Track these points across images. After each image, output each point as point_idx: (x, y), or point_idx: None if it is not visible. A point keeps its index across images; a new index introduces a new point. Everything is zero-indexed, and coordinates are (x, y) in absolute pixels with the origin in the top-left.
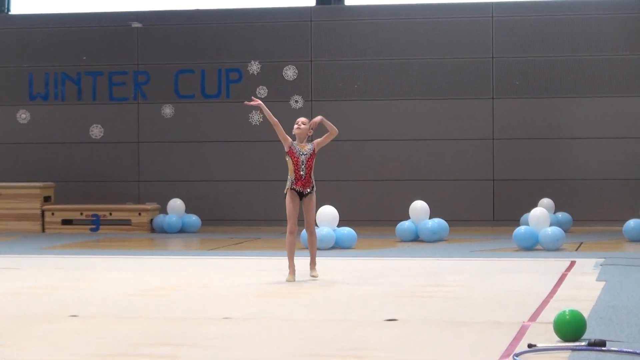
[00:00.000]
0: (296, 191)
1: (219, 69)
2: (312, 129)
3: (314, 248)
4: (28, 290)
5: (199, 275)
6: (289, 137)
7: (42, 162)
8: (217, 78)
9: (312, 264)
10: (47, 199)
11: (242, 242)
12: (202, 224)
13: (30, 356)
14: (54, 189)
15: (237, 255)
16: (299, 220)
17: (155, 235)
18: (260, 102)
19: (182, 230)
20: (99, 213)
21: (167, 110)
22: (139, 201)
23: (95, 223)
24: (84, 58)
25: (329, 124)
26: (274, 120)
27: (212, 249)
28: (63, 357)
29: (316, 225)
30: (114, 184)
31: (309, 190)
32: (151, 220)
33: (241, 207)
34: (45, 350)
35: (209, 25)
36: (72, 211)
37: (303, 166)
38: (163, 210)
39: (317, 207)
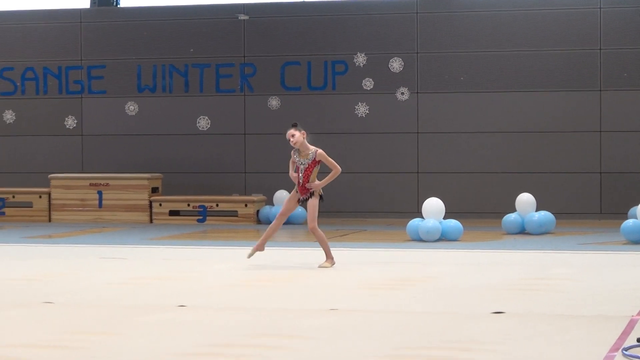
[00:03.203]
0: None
1: (325, 61)
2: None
3: (320, 243)
4: (136, 281)
5: (304, 267)
6: (293, 156)
7: (150, 153)
8: (323, 70)
9: (326, 255)
10: (154, 190)
11: (347, 234)
12: None
13: (138, 345)
14: (162, 180)
15: (343, 247)
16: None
17: (262, 226)
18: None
19: (288, 222)
20: (206, 204)
21: (274, 102)
22: (245, 193)
23: (202, 214)
24: (191, 50)
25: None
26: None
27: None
28: (170, 347)
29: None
30: (221, 176)
31: (305, 197)
32: (257, 211)
33: (347, 199)
34: (153, 339)
35: (316, 17)
36: (179, 202)
37: (301, 174)
38: (269, 201)
39: (423, 199)
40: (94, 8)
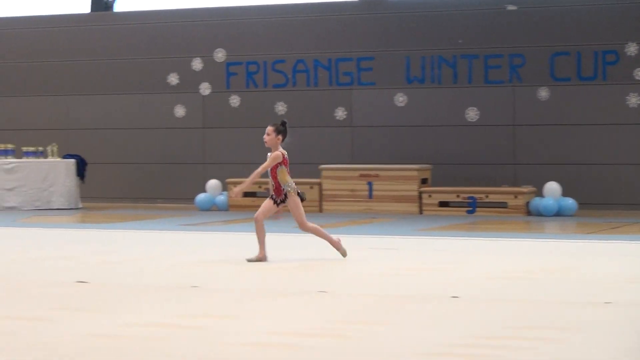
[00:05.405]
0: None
1: (594, 51)
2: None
3: (319, 236)
4: (407, 271)
5: (575, 259)
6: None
7: (419, 144)
8: (593, 60)
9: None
10: (424, 181)
11: (619, 227)
12: (579, 208)
13: (407, 335)
14: (431, 171)
15: (614, 240)
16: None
17: (531, 218)
18: (237, 190)
19: (558, 213)
20: (475, 195)
21: (543, 93)
22: (514, 184)
23: (472, 205)
24: (460, 41)
25: (248, 184)
26: (257, 176)
27: (589, 233)
28: (439, 337)
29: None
30: (490, 167)
31: (281, 199)
32: (527, 203)
33: (619, 191)
34: (421, 329)
35: (585, 7)
36: (449, 193)
37: (271, 178)
38: (539, 193)
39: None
40: (364, 1)
